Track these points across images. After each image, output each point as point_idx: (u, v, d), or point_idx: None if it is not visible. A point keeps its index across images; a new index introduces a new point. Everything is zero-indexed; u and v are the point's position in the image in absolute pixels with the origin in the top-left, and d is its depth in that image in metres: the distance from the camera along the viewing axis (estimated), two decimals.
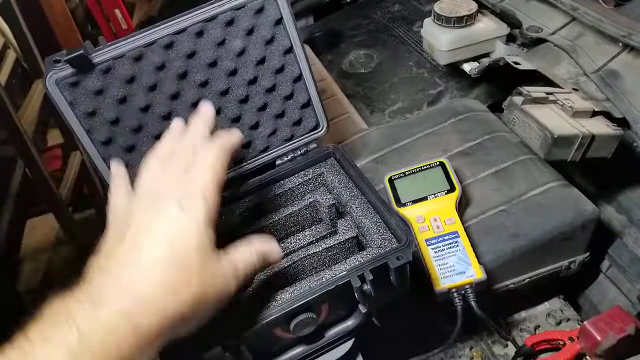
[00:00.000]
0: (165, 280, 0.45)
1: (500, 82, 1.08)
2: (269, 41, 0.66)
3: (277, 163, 0.76)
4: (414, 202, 0.76)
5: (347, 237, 0.65)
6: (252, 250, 0.52)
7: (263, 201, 0.72)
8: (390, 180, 0.81)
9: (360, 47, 1.38)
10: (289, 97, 0.70)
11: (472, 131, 0.91)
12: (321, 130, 0.74)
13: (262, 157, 0.74)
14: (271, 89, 0.70)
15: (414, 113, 1.12)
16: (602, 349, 0.66)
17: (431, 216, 0.74)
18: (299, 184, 0.74)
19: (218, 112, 0.69)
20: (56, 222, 2.11)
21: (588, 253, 0.78)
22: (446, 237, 0.71)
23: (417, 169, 0.81)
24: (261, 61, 0.67)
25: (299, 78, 0.68)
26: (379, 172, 0.88)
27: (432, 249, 0.71)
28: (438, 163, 0.80)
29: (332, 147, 0.76)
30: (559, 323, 0.78)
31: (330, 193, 0.71)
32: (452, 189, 0.76)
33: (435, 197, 0.76)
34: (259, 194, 0.73)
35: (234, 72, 0.67)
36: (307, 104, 0.70)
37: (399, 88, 1.20)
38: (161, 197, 0.49)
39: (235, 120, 0.71)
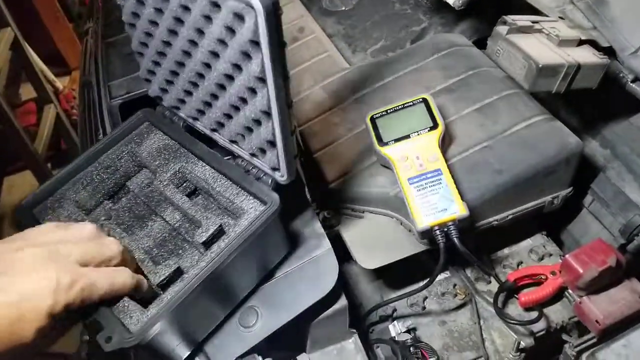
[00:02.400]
0: None
1: (485, 17, 1.04)
2: (244, 53, 0.56)
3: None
4: (397, 140, 0.74)
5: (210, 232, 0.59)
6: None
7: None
8: (372, 120, 0.78)
9: None
10: (255, 121, 0.59)
11: (456, 67, 0.88)
12: (282, 176, 0.61)
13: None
14: (241, 100, 0.60)
15: (397, 51, 1.08)
16: (583, 282, 0.67)
17: (414, 154, 0.73)
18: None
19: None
20: (35, 180, 2.07)
21: (571, 188, 0.77)
22: (429, 175, 0.70)
23: (400, 107, 0.78)
24: (236, 66, 0.57)
25: (267, 113, 0.58)
26: (361, 111, 0.86)
27: (415, 187, 0.70)
28: (421, 100, 0.77)
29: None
30: (542, 259, 0.78)
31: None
32: (435, 125, 0.74)
33: (418, 134, 0.74)
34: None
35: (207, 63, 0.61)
36: (272, 143, 0.59)
37: (382, 26, 1.16)
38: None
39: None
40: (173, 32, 0.61)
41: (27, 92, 2.34)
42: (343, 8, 1.24)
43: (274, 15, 0.48)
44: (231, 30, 0.53)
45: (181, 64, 0.63)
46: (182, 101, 0.68)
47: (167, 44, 0.63)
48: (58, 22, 2.63)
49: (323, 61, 1.01)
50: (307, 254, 0.66)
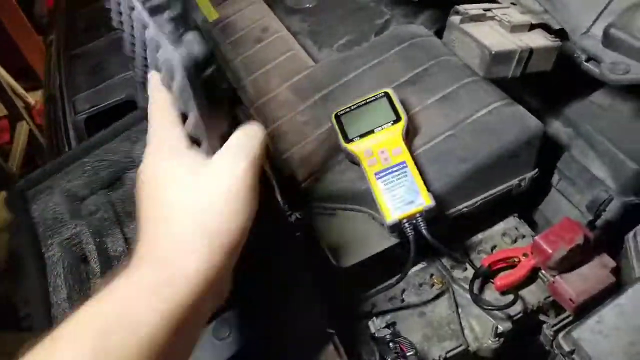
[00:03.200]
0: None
1: (444, 6, 1.05)
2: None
3: None
4: (361, 136, 0.75)
5: None
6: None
7: None
8: (337, 117, 0.79)
9: None
10: None
11: (417, 58, 0.89)
12: None
13: None
14: None
15: (363, 45, 1.08)
16: (554, 261, 0.68)
17: (379, 149, 0.73)
18: None
19: None
20: None
21: (537, 169, 0.78)
22: (394, 168, 0.71)
23: (362, 103, 0.79)
24: None
25: None
26: (327, 109, 0.86)
27: (382, 181, 0.70)
28: (383, 94, 0.78)
29: None
30: (515, 241, 0.79)
31: None
32: (397, 119, 0.74)
33: (382, 129, 0.75)
34: None
35: None
36: None
37: (346, 20, 1.15)
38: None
39: None
40: None
41: None
42: (307, 5, 1.24)
43: (195, 74, 0.43)
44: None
45: None
46: None
47: None
48: (26, 34, 2.59)
49: (288, 60, 1.01)
50: None
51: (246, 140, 0.49)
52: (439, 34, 0.98)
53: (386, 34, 1.02)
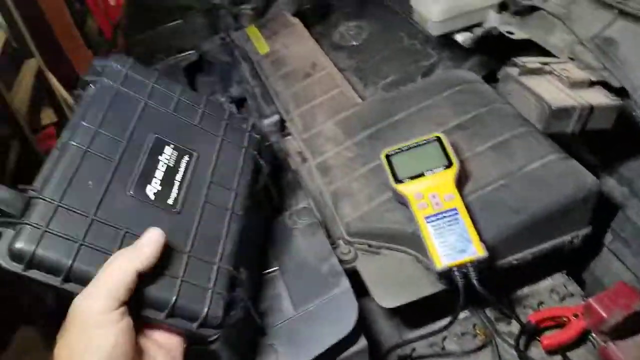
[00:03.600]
0: None
1: (494, 52, 1.05)
2: None
3: None
4: (412, 178, 0.74)
5: None
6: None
7: None
8: (387, 157, 0.78)
9: (350, 19, 1.34)
10: None
11: (468, 103, 0.88)
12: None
13: None
14: None
15: (408, 85, 1.09)
16: (607, 326, 0.65)
17: (429, 192, 0.72)
18: None
19: None
20: None
21: (590, 227, 0.76)
22: (446, 214, 0.69)
23: (414, 145, 0.78)
24: None
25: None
26: (374, 148, 0.86)
27: (432, 226, 0.69)
28: (435, 138, 0.77)
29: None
30: (563, 299, 0.77)
31: None
32: (449, 164, 0.74)
33: (433, 173, 0.74)
34: None
35: None
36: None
37: (392, 60, 1.17)
38: None
39: None
40: None
41: (46, 116, 2.39)
42: (353, 43, 1.26)
43: None
44: None
45: None
46: None
47: None
48: (78, 49, 2.70)
49: (335, 96, 1.02)
50: (325, 292, 0.65)
51: (96, 282, 0.49)
52: (486, 79, 0.99)
53: (435, 76, 1.02)
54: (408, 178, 0.74)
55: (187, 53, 1.22)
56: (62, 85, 2.40)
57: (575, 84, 0.74)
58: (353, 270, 0.74)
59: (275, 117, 1.00)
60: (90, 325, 0.47)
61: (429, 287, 0.71)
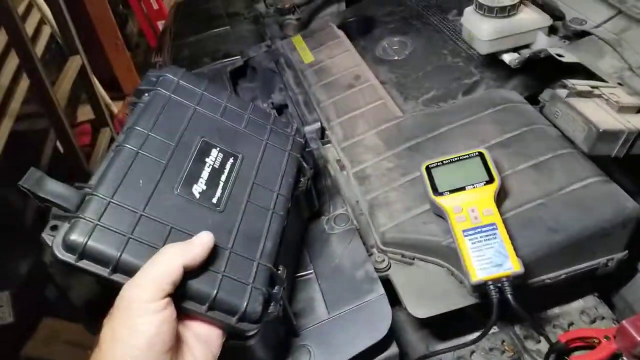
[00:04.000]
0: None
1: (537, 74, 1.06)
2: None
3: None
4: (452, 191, 0.76)
5: None
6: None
7: None
8: (428, 169, 0.80)
9: (393, 34, 1.36)
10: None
11: (511, 122, 0.89)
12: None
13: None
14: None
15: (448, 102, 1.10)
16: None
17: (469, 206, 0.73)
18: None
19: None
20: None
21: (627, 251, 0.76)
22: (484, 229, 0.71)
23: (456, 159, 0.80)
24: None
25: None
26: (414, 160, 0.88)
27: (469, 239, 0.70)
28: (477, 153, 0.79)
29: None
30: (594, 321, 0.77)
31: None
32: (491, 179, 0.75)
33: (474, 187, 0.75)
34: None
35: None
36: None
37: (433, 76, 1.18)
38: None
39: None
40: None
41: (82, 113, 2.47)
42: (396, 58, 1.28)
43: None
44: None
45: None
46: None
47: None
48: (118, 51, 2.80)
49: (377, 108, 1.04)
50: (360, 298, 0.67)
51: (143, 272, 0.52)
52: (529, 100, 1.00)
53: (479, 95, 1.03)
54: (448, 191, 0.76)
55: (233, 58, 1.26)
56: (101, 85, 2.49)
57: (623, 109, 0.75)
58: (385, 279, 0.76)
59: (317, 125, 1.02)
60: (135, 312, 0.50)
61: (461, 300, 0.72)
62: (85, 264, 0.53)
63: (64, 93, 2.03)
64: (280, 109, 1.14)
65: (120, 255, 0.53)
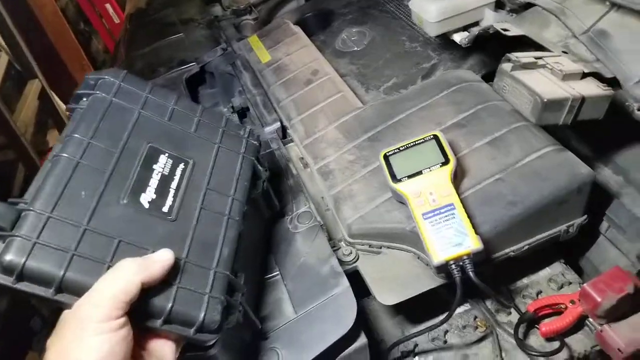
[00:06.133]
0: None
1: (493, 51, 1.07)
2: None
3: None
4: (410, 177, 0.76)
5: None
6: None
7: None
8: (385, 157, 0.81)
9: (352, 25, 1.37)
10: None
11: (466, 102, 0.90)
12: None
13: None
14: None
15: (409, 88, 1.11)
16: (602, 310, 0.67)
17: (427, 190, 0.74)
18: None
19: None
20: None
21: (586, 216, 0.78)
22: (442, 210, 0.72)
23: (411, 144, 0.81)
24: None
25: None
26: (374, 150, 0.88)
27: (429, 222, 0.71)
28: (432, 136, 0.80)
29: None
30: (561, 287, 0.79)
31: None
32: (446, 161, 0.76)
33: (430, 170, 0.76)
34: None
35: None
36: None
37: (393, 64, 1.19)
38: None
39: None
40: None
41: (52, 137, 2.44)
42: (355, 48, 1.29)
43: None
44: None
45: None
46: None
47: None
48: (84, 71, 2.77)
49: (337, 101, 1.04)
50: (325, 293, 0.67)
51: (96, 289, 0.50)
52: (486, 78, 1.01)
53: (434, 78, 1.04)
54: (406, 177, 0.77)
55: (188, 65, 1.25)
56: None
57: (567, 76, 0.76)
58: (355, 271, 0.77)
59: (276, 125, 1.03)
60: (89, 332, 0.47)
61: (428, 283, 0.73)
62: (25, 285, 0.49)
63: (27, 120, 1.98)
64: (243, 112, 1.14)
65: (64, 274, 0.49)
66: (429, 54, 1.18)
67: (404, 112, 0.94)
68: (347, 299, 0.66)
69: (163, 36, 1.41)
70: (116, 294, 0.49)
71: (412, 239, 0.75)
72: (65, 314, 0.50)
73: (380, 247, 0.79)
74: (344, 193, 0.85)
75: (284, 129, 1.04)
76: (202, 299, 0.55)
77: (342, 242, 0.81)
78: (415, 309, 0.80)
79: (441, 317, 0.73)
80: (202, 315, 0.54)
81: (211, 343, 0.55)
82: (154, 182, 0.62)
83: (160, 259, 0.54)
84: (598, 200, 0.80)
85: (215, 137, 0.73)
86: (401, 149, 0.81)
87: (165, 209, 0.60)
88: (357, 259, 0.78)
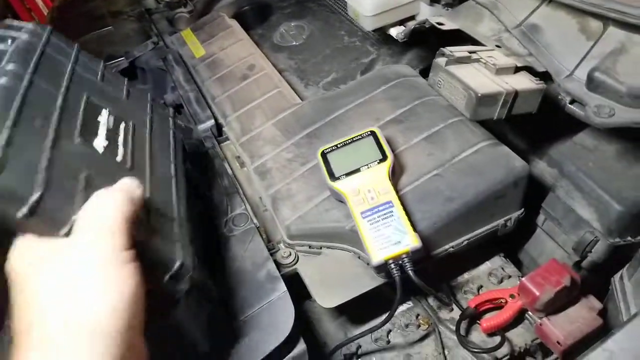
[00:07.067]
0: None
1: (431, 46, 1.07)
2: None
3: None
4: (348, 174, 0.74)
5: None
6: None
7: None
8: (323, 155, 0.78)
9: (290, 19, 1.34)
10: None
11: (403, 97, 0.89)
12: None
13: None
14: None
15: (348, 83, 1.09)
16: (541, 303, 0.67)
17: (365, 187, 0.72)
18: None
19: None
20: None
21: (523, 209, 0.78)
22: (381, 208, 0.70)
23: (349, 141, 0.79)
24: None
25: None
26: (313, 147, 0.86)
27: (368, 220, 0.69)
28: (369, 133, 0.78)
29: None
30: (501, 281, 0.79)
31: None
32: (384, 158, 0.74)
33: (368, 167, 0.74)
34: None
35: None
36: None
37: (332, 59, 1.17)
38: None
39: None
40: None
41: None
42: (294, 43, 1.26)
43: None
44: None
45: None
46: None
47: None
48: None
49: (274, 97, 1.01)
50: (262, 300, 0.64)
51: (96, 216, 0.44)
52: (424, 72, 1.00)
53: (372, 73, 1.03)
54: (344, 175, 0.74)
55: (117, 60, 1.18)
56: None
57: (501, 71, 0.76)
58: (295, 273, 0.74)
59: (210, 122, 0.98)
60: (105, 265, 0.41)
61: (369, 283, 0.71)
62: None
63: None
64: (177, 109, 1.09)
65: (42, 194, 0.42)
66: (367, 49, 1.17)
67: (342, 108, 0.92)
68: (285, 305, 0.63)
69: (90, 29, 1.33)
70: (128, 217, 0.44)
71: (351, 238, 0.73)
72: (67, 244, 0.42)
73: (321, 248, 0.76)
74: (282, 193, 0.82)
75: (219, 126, 0.99)
76: (174, 244, 0.52)
77: (281, 244, 0.78)
78: (358, 309, 0.78)
79: (383, 317, 0.72)
80: (178, 260, 0.50)
81: (179, 296, 0.51)
82: (101, 131, 0.56)
83: (136, 184, 0.48)
84: (534, 193, 0.81)
85: (146, 109, 0.69)
86: (339, 146, 0.79)
87: (118, 158, 0.56)
88: (297, 260, 0.75)
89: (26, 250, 0.42)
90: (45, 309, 0.40)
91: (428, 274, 0.69)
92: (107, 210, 0.44)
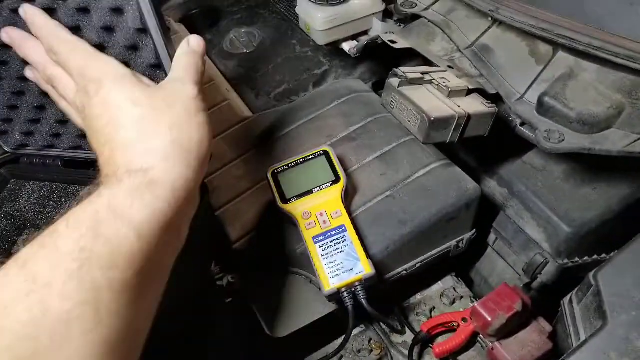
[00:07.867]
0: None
1: (383, 59, 1.06)
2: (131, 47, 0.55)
3: None
4: (299, 196, 0.72)
5: None
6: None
7: None
8: (274, 175, 0.75)
9: (241, 25, 1.30)
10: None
11: (356, 114, 0.88)
12: None
13: None
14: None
15: (301, 95, 1.07)
16: (493, 329, 0.67)
17: (317, 210, 0.70)
18: None
19: None
20: None
21: (475, 230, 0.78)
22: (333, 232, 0.68)
23: (301, 160, 0.76)
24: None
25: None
26: (263, 164, 0.82)
27: (320, 246, 0.67)
28: (322, 152, 0.76)
29: None
30: (453, 302, 0.78)
31: None
32: (337, 179, 0.72)
33: (321, 189, 0.72)
34: None
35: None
36: None
37: (284, 69, 1.14)
38: None
39: None
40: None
41: None
42: (244, 50, 1.22)
43: None
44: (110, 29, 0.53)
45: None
46: (57, 135, 0.65)
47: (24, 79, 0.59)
48: None
49: (222, 110, 0.98)
50: None
51: (189, 59, 0.52)
52: (377, 85, 0.99)
53: (324, 87, 1.01)
54: (295, 197, 0.72)
55: None
56: None
57: (453, 93, 0.75)
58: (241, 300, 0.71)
59: None
60: (193, 107, 0.48)
61: (320, 310, 0.69)
62: None
63: None
64: None
65: None
66: (320, 60, 1.14)
67: (294, 123, 0.89)
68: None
69: None
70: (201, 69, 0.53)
71: (302, 262, 0.71)
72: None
73: (270, 273, 0.74)
74: (231, 212, 0.79)
75: None
76: None
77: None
78: (310, 335, 0.76)
79: (335, 342, 0.70)
80: None
81: None
82: None
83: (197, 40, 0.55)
84: (486, 212, 0.81)
85: None
86: (291, 165, 0.76)
87: None
88: (245, 286, 0.72)
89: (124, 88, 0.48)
90: (146, 131, 0.45)
91: (380, 295, 0.67)
92: (195, 59, 0.53)
